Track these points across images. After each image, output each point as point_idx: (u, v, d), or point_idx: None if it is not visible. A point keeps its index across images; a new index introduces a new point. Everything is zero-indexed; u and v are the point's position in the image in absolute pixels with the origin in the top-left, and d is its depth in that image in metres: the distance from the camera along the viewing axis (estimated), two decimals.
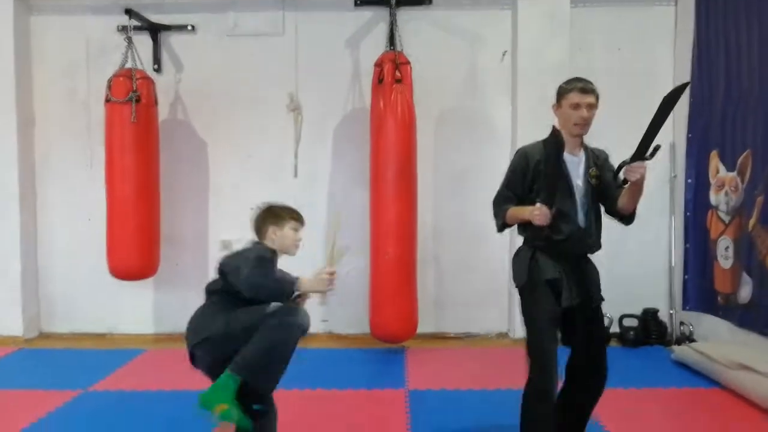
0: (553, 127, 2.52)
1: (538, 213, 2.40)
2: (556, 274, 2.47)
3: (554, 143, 2.47)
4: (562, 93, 2.54)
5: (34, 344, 4.70)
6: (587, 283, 2.53)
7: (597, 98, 2.53)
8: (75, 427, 3.13)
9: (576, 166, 2.54)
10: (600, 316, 2.62)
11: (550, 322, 2.47)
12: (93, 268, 4.70)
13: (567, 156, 2.53)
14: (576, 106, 2.48)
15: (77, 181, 4.85)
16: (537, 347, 2.47)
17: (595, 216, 2.56)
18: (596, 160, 2.61)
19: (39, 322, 4.92)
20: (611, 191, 2.55)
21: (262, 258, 2.36)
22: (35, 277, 4.89)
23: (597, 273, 2.61)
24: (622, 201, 2.53)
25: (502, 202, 2.65)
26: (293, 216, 2.51)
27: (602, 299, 2.62)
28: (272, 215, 2.48)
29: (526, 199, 2.55)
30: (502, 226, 2.68)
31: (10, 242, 4.71)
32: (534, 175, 2.53)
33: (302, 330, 2.36)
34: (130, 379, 3.84)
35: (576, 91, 2.48)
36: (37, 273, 4.90)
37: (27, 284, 4.78)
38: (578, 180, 2.53)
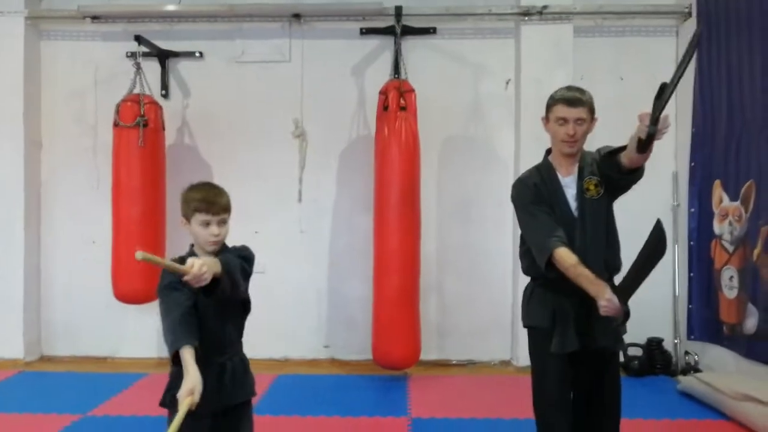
0: (547, 149, 2.33)
1: (605, 305, 2.01)
2: (544, 321, 2.18)
3: (545, 168, 2.27)
4: (548, 105, 2.25)
5: (35, 367, 4.68)
6: (592, 326, 2.15)
7: (590, 111, 2.22)
8: None
9: (570, 186, 2.25)
10: (612, 366, 2.26)
11: (550, 363, 2.16)
12: (96, 291, 4.71)
13: (561, 178, 2.28)
14: (562, 121, 2.18)
15: (82, 204, 4.87)
16: (537, 402, 2.24)
17: (599, 244, 2.25)
18: (591, 169, 2.28)
19: (40, 345, 4.90)
20: (613, 167, 2.20)
21: (163, 289, 1.82)
22: (37, 300, 4.88)
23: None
24: (630, 157, 2.18)
25: (540, 229, 2.17)
26: (200, 204, 1.86)
27: (619, 346, 2.28)
28: (183, 201, 1.92)
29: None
30: (547, 264, 2.17)
31: (14, 265, 4.71)
32: (539, 198, 2.25)
33: None
34: (130, 403, 3.81)
35: (562, 104, 2.18)
36: (39, 295, 4.89)
37: (29, 307, 4.78)
38: (573, 203, 2.24)
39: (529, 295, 2.33)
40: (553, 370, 2.16)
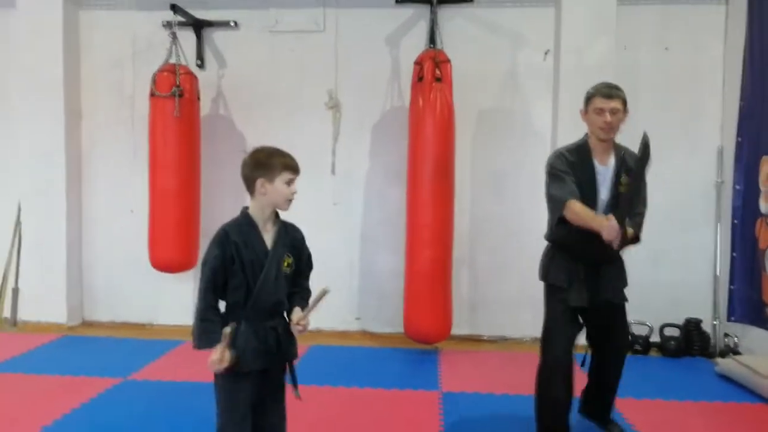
0: (585, 134, 2.65)
1: (608, 226, 2.34)
2: (562, 281, 2.60)
3: (583, 150, 2.60)
4: (588, 98, 2.62)
5: (77, 332, 4.84)
6: (603, 285, 2.60)
7: (624, 103, 2.58)
8: (116, 413, 3.20)
9: (604, 176, 2.61)
10: (621, 313, 2.73)
11: (561, 318, 2.63)
12: (135, 259, 4.82)
13: (597, 165, 2.62)
14: (600, 111, 2.55)
15: (121, 174, 4.96)
16: (546, 340, 2.68)
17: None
18: (628, 165, 2.62)
19: (82, 311, 5.06)
20: (635, 201, 2.58)
21: (206, 274, 2.00)
22: (79, 266, 5.03)
23: (619, 273, 2.69)
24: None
25: (562, 187, 2.55)
26: (286, 164, 2.03)
27: (622, 300, 2.70)
28: (260, 165, 2.02)
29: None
30: (558, 221, 2.57)
31: (57, 232, 4.85)
32: (571, 171, 2.60)
33: None
34: (169, 369, 3.92)
35: (600, 96, 2.55)
36: (81, 262, 5.04)
37: (71, 273, 4.92)
38: (604, 188, 2.59)
39: (549, 257, 2.71)
40: (562, 316, 2.63)
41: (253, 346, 2.00)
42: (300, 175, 2.09)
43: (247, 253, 2.00)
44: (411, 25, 4.74)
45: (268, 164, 2.02)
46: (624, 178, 2.60)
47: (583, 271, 2.60)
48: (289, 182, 2.04)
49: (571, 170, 2.58)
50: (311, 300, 2.10)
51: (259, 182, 2.02)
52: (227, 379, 2.01)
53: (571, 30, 4.47)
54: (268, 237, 2.07)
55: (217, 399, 2.07)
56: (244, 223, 2.05)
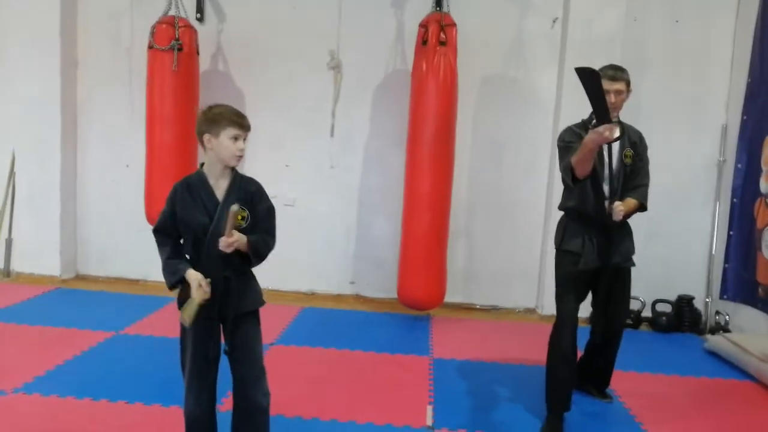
0: (591, 112, 2.73)
1: (604, 134, 2.44)
2: (576, 247, 2.78)
3: (592, 124, 2.72)
4: None
5: (70, 285, 4.84)
6: (611, 249, 2.77)
7: (627, 84, 2.75)
8: (107, 366, 3.23)
9: (609, 150, 2.75)
10: (623, 278, 2.90)
11: (571, 281, 2.80)
12: (129, 214, 4.79)
13: None
14: (605, 93, 2.61)
15: (117, 127, 4.89)
16: (558, 298, 2.84)
17: (623, 193, 2.79)
18: (632, 141, 2.83)
19: (76, 264, 5.06)
20: (634, 176, 2.82)
21: (154, 232, 2.16)
22: (74, 220, 5.00)
23: (627, 239, 2.87)
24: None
25: (569, 155, 2.68)
26: (231, 120, 2.04)
27: (628, 264, 2.88)
28: (207, 121, 2.05)
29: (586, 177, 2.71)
30: (574, 180, 2.68)
31: (51, 184, 4.81)
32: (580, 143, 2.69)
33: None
34: (161, 324, 3.93)
35: (605, 79, 2.64)
36: (75, 215, 5.01)
37: (65, 226, 4.90)
38: (612, 159, 2.76)
39: (564, 226, 2.88)
40: (573, 279, 2.81)
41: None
42: (249, 132, 2.09)
43: (195, 207, 2.06)
44: None
45: (213, 120, 2.05)
46: (628, 150, 2.79)
47: (595, 236, 2.77)
48: (235, 138, 2.04)
49: (579, 140, 2.69)
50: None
51: (206, 137, 2.06)
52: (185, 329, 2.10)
53: None
54: (220, 191, 2.09)
55: (180, 343, 2.17)
56: (196, 178, 2.10)
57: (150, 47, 4.35)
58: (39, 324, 3.83)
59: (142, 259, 4.95)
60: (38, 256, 4.85)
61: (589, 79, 2.51)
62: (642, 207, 2.85)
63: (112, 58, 4.86)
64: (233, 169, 2.13)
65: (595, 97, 2.52)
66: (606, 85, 2.64)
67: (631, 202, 2.80)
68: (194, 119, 4.28)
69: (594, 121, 2.66)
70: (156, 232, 2.14)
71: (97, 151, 4.95)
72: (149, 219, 4.51)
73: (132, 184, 4.72)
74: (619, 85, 2.72)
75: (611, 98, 2.67)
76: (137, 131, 4.60)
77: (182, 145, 4.41)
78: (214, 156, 2.07)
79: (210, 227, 2.05)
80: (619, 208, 2.71)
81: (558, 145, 2.85)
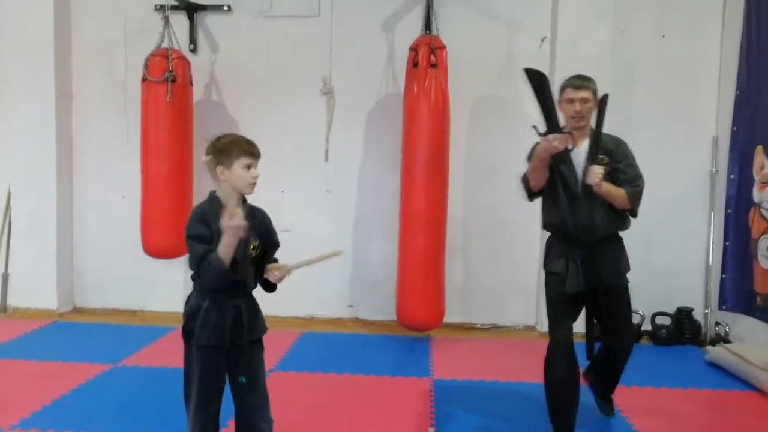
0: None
1: (552, 143, 2.48)
2: (560, 268, 2.72)
3: (542, 132, 2.69)
4: (561, 89, 2.79)
5: (68, 318, 4.82)
6: (598, 268, 2.69)
7: (593, 92, 2.73)
8: (105, 399, 3.19)
9: (577, 158, 2.72)
10: (618, 296, 2.80)
11: (560, 303, 2.74)
12: (126, 245, 4.79)
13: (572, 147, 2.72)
14: (570, 101, 2.71)
15: (113, 159, 4.91)
16: (551, 321, 2.80)
17: (601, 204, 2.68)
18: (606, 149, 2.73)
19: (73, 297, 5.03)
20: (621, 183, 2.72)
21: (190, 238, 2.03)
22: (70, 252, 4.99)
23: (617, 256, 2.78)
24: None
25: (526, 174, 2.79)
26: (243, 149, 2.04)
27: (619, 281, 2.79)
28: (218, 152, 2.05)
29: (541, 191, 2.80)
30: (529, 192, 2.80)
31: (47, 216, 4.81)
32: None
33: None
34: (159, 355, 3.90)
35: (570, 88, 2.72)
36: (72, 248, 5.00)
37: (62, 259, 4.89)
38: (579, 170, 2.70)
39: (549, 246, 2.85)
40: (560, 302, 2.75)
41: (213, 322, 2.05)
42: (260, 159, 2.09)
43: (215, 235, 2.02)
44: (407, 10, 4.69)
45: (225, 151, 2.05)
46: (602, 158, 2.69)
47: (579, 257, 2.69)
48: (248, 167, 2.05)
49: None
50: (318, 255, 2.14)
51: (219, 169, 2.06)
52: (194, 355, 2.08)
53: (569, 17, 4.44)
54: None
55: (184, 375, 2.13)
56: (212, 206, 2.07)
57: (144, 79, 4.40)
58: (36, 359, 3.80)
59: (139, 290, 4.96)
60: (35, 290, 4.84)
61: (538, 82, 2.53)
62: (631, 203, 2.71)
63: (107, 90, 4.91)
64: (245, 199, 2.13)
65: (543, 102, 2.53)
66: (571, 93, 2.70)
67: (619, 189, 2.67)
68: (189, 149, 4.29)
69: (541, 130, 2.64)
70: (205, 253, 1.97)
71: (93, 182, 4.97)
72: (145, 249, 4.51)
73: (128, 215, 4.73)
74: (585, 93, 2.70)
75: (576, 106, 2.69)
76: (133, 162, 4.62)
77: (177, 176, 4.43)
78: (228, 186, 2.07)
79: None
80: (596, 170, 2.59)
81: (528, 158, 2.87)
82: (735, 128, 4.37)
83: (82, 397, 3.23)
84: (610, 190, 2.65)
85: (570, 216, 2.70)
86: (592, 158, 2.66)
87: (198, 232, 2.01)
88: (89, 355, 3.85)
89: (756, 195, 4.13)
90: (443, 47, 4.17)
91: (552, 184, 2.73)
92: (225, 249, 1.94)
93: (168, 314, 4.82)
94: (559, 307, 2.75)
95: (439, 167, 4.15)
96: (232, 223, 1.90)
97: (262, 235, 2.15)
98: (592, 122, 2.78)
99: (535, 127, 2.69)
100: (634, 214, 2.77)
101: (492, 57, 4.65)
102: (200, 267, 1.98)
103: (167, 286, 4.87)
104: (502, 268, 4.72)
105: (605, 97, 2.71)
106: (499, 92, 4.67)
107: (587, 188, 2.64)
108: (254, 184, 2.08)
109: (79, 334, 4.41)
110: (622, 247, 2.83)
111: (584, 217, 2.68)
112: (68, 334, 4.41)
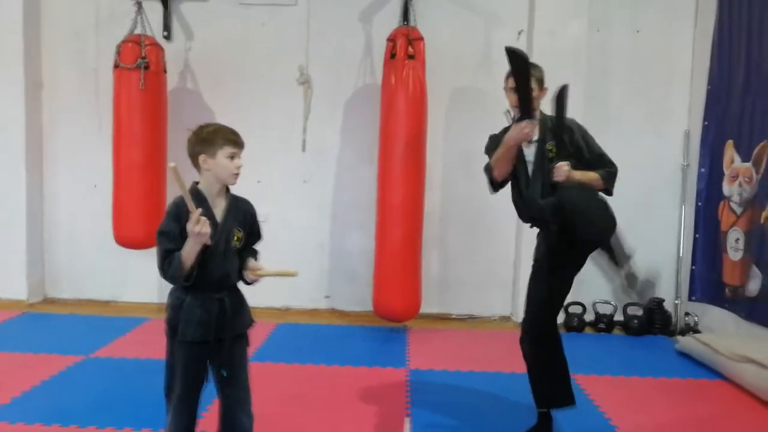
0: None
1: (524, 131, 2.49)
2: (542, 255, 2.71)
3: (510, 127, 2.70)
4: (505, 78, 2.75)
5: (38, 309, 4.73)
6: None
7: (537, 81, 2.66)
8: (77, 391, 3.14)
9: (529, 148, 2.69)
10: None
11: (539, 288, 2.75)
12: (98, 235, 4.70)
13: None
14: (508, 90, 2.70)
15: (84, 147, 4.82)
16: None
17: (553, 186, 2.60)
18: (552, 130, 2.67)
19: (44, 287, 4.94)
20: (592, 167, 2.66)
21: (161, 234, 1.99)
22: (41, 242, 4.89)
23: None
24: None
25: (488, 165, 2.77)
26: (227, 138, 2.02)
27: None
28: (201, 141, 2.03)
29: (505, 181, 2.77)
30: (493, 184, 2.76)
31: (17, 206, 4.70)
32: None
33: None
34: (132, 346, 3.85)
35: (510, 77, 2.66)
36: (42, 238, 4.90)
37: (32, 249, 4.79)
38: (528, 155, 2.68)
39: (537, 235, 2.82)
40: (540, 288, 2.75)
41: (197, 317, 2.01)
42: (244, 149, 2.07)
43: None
44: (385, 1, 4.66)
45: (208, 140, 2.02)
46: (549, 144, 2.64)
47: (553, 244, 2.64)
48: (232, 156, 2.03)
49: (498, 145, 2.71)
50: (278, 270, 2.15)
51: (202, 158, 2.03)
52: (177, 348, 2.05)
53: (545, 11, 4.46)
54: (218, 211, 2.07)
55: (166, 366, 2.09)
56: (194, 197, 2.00)
57: (116, 66, 4.31)
58: (5, 350, 3.73)
59: (112, 279, 4.88)
60: (4, 280, 4.73)
61: (522, 64, 2.47)
62: (606, 184, 2.66)
63: (78, 78, 4.80)
64: (228, 189, 2.11)
65: (523, 86, 2.48)
66: (511, 83, 2.62)
67: (590, 174, 2.61)
68: (163, 138, 4.22)
69: (516, 116, 2.60)
70: (168, 252, 1.96)
71: (65, 172, 4.87)
72: (117, 240, 4.44)
73: (100, 205, 4.64)
74: (512, 83, 2.62)
75: (510, 95, 2.66)
76: (104, 151, 4.53)
77: (150, 164, 4.36)
78: (211, 176, 2.04)
79: (209, 248, 1.99)
80: (563, 167, 2.51)
81: (486, 155, 2.80)
82: (706, 123, 4.46)
83: (54, 388, 3.18)
84: (582, 178, 2.58)
85: (524, 200, 2.69)
86: (558, 153, 2.59)
87: (167, 229, 1.98)
88: (61, 346, 3.79)
89: (726, 188, 4.22)
90: (421, 38, 4.16)
91: (515, 173, 2.70)
92: (187, 254, 1.94)
93: (142, 305, 4.77)
94: (535, 294, 2.79)
95: (417, 158, 4.16)
96: (197, 230, 1.89)
97: (246, 225, 2.13)
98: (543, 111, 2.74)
99: (507, 113, 2.70)
100: (610, 193, 2.71)
101: (470, 49, 4.66)
102: (162, 264, 1.97)
103: (141, 277, 4.80)
104: (478, 258, 4.76)
105: (564, 88, 2.58)
106: (476, 84, 4.68)
107: (554, 186, 2.58)
108: (237, 174, 2.05)
109: (50, 325, 4.33)
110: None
111: (537, 200, 2.64)
112: (39, 325, 4.33)
